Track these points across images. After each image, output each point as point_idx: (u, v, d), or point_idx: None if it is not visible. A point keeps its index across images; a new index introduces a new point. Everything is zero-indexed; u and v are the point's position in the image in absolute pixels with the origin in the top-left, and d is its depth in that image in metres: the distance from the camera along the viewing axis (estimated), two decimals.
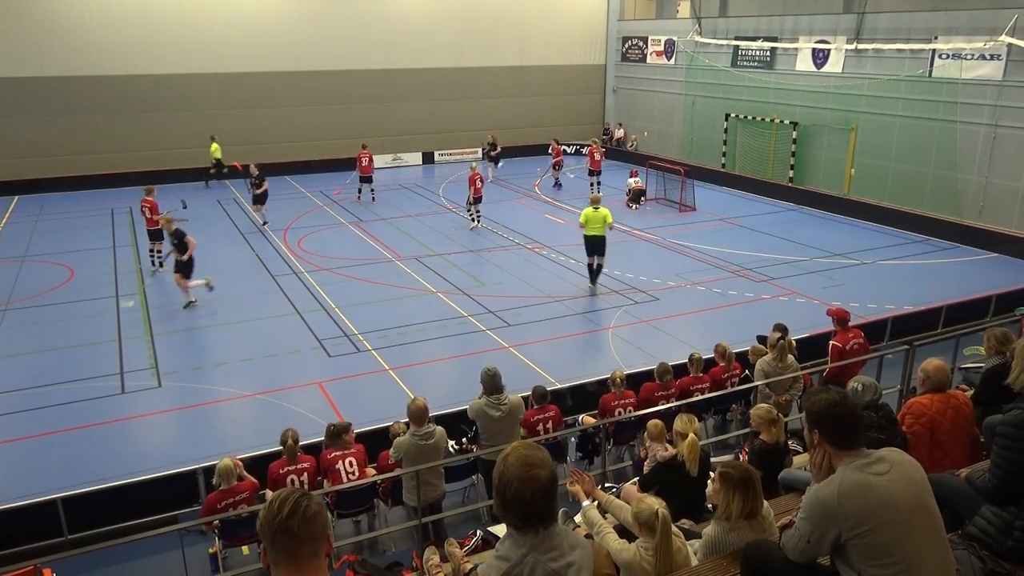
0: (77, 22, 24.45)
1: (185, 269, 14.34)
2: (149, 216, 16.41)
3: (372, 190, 23.70)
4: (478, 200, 20.27)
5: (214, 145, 25.70)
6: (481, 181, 20.33)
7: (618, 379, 8.86)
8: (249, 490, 7.09)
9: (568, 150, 32.75)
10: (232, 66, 26.69)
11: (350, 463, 7.43)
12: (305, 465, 7.32)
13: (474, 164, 21.08)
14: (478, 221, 20.33)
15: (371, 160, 23.47)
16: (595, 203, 15.21)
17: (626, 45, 31.76)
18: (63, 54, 24.39)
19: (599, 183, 23.91)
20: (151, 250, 16.83)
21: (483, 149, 28.38)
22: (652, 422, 6.54)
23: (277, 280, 16.09)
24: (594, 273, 15.47)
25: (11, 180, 24.28)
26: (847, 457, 3.19)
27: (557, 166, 25.81)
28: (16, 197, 23.92)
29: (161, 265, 16.73)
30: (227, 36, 26.34)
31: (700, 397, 8.96)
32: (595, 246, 15.23)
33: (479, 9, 30.18)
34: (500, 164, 27.38)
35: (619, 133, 31.93)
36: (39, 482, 8.61)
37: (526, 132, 32.31)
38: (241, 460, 7.42)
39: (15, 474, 9.07)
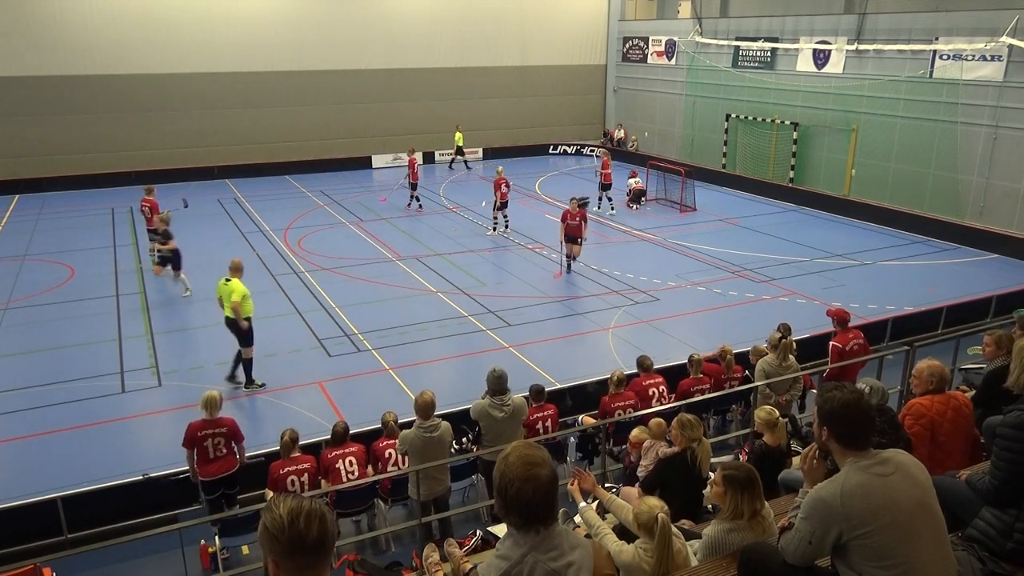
0: (77, 22, 24.45)
1: (175, 261, 15.24)
2: (149, 216, 16.42)
3: (416, 197, 22.40)
4: (504, 205, 19.59)
5: (458, 134, 28.38)
6: (507, 186, 19.47)
7: (616, 379, 8.87)
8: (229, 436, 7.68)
9: (569, 151, 32.79)
10: (232, 66, 26.69)
11: (350, 462, 7.44)
12: (306, 466, 7.32)
13: (499, 168, 20.30)
14: (504, 227, 19.72)
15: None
16: (233, 271, 10.82)
17: (627, 45, 31.75)
18: (63, 54, 24.39)
19: (610, 199, 22.01)
20: (151, 249, 16.82)
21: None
22: (654, 420, 6.54)
23: (277, 280, 16.08)
24: (245, 371, 11.21)
25: (11, 179, 24.29)
26: (853, 457, 3.17)
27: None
28: (16, 196, 23.91)
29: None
30: (227, 36, 26.33)
31: (700, 397, 8.97)
32: (231, 331, 11.05)
33: (480, 9, 30.18)
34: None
35: (619, 134, 31.93)
36: (39, 481, 8.62)
37: (527, 132, 32.34)
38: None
39: (15, 473, 9.07)
